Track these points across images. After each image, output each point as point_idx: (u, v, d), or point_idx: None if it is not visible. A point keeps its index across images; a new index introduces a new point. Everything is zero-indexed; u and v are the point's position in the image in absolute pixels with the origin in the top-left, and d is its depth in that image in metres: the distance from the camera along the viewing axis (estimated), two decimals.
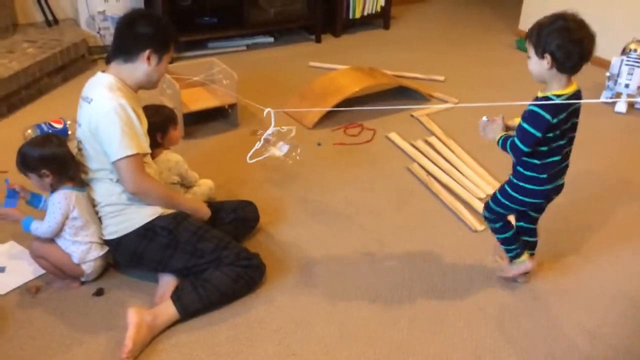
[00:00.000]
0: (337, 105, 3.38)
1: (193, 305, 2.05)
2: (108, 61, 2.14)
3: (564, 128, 1.90)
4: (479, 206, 2.72)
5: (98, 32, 4.21)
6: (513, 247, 2.19)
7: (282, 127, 2.30)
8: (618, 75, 3.67)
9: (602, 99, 3.76)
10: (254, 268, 2.16)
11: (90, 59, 4.17)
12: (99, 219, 2.17)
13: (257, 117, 3.42)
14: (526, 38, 1.88)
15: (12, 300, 2.14)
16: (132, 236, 2.11)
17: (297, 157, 2.65)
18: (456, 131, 3.37)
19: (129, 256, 2.16)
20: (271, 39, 4.79)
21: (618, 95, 3.75)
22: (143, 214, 2.11)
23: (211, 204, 2.43)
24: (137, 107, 2.12)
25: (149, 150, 2.12)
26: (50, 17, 4.18)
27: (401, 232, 2.58)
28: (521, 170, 1.99)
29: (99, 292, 2.17)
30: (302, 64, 4.35)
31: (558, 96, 1.86)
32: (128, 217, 2.11)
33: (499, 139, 1.98)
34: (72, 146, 2.18)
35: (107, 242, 2.18)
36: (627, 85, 3.66)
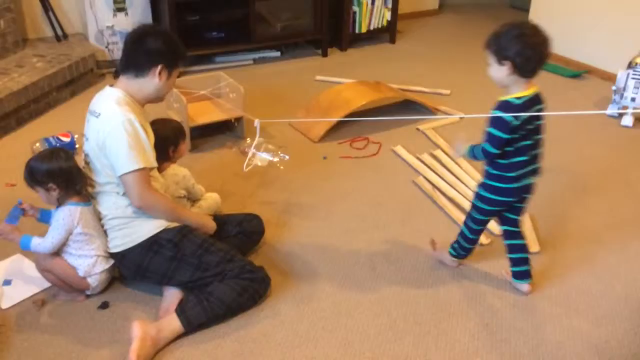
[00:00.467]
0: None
1: (197, 318, 2.04)
2: (117, 75, 2.16)
3: (528, 128, 1.99)
4: None
5: (106, 47, 4.26)
6: (463, 253, 2.35)
7: (260, 139, 2.56)
8: (624, 89, 3.67)
9: (608, 112, 3.76)
10: (258, 281, 2.16)
11: (99, 73, 4.21)
12: (105, 231, 2.18)
13: (264, 131, 3.43)
14: (486, 47, 1.99)
15: (18, 312, 2.15)
16: (137, 249, 2.12)
17: (281, 167, 2.78)
18: None
19: (134, 269, 2.16)
20: (278, 53, 4.82)
21: (624, 108, 3.74)
22: (148, 227, 2.12)
23: (217, 217, 2.44)
24: (145, 121, 2.14)
25: (155, 165, 2.13)
26: (59, 32, 4.23)
27: (407, 246, 2.57)
28: (490, 170, 2.10)
29: (104, 305, 2.18)
30: (308, 78, 4.37)
31: (518, 98, 1.97)
32: (133, 230, 2.12)
33: (468, 150, 2.09)
34: (79, 160, 2.20)
35: (112, 255, 2.18)
36: (633, 99, 3.65)
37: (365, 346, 2.05)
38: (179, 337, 2.03)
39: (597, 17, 4.38)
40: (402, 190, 3.00)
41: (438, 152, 3.30)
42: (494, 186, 2.10)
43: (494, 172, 2.09)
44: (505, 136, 1.96)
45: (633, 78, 3.62)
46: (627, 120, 3.70)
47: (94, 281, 2.17)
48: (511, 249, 2.26)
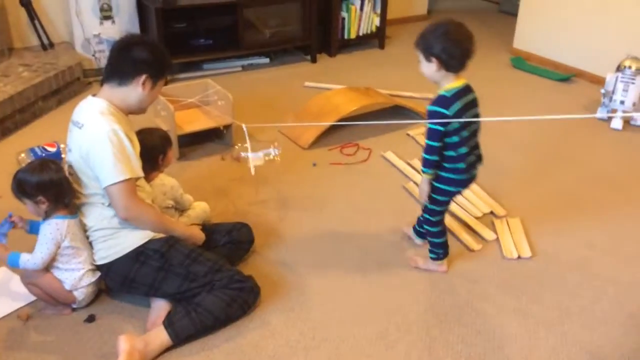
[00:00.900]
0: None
1: (186, 330, 2.01)
2: (102, 83, 2.14)
3: (464, 117, 2.10)
4: (477, 225, 2.70)
5: (93, 55, 4.22)
6: (441, 251, 2.41)
7: (245, 144, 2.64)
8: (613, 92, 3.68)
9: (598, 115, 3.76)
10: (247, 291, 2.13)
11: (85, 82, 4.17)
12: (90, 243, 2.14)
13: (253, 138, 3.39)
14: (415, 46, 2.11)
15: (2, 327, 2.10)
16: (123, 260, 2.08)
17: (251, 171, 2.68)
18: None
19: (120, 281, 2.12)
20: (267, 60, 4.80)
21: (614, 111, 3.75)
22: (134, 238, 2.08)
23: (205, 226, 2.41)
24: (130, 130, 2.10)
25: (142, 174, 2.10)
26: (45, 41, 4.18)
27: (398, 253, 2.55)
28: (444, 164, 2.20)
29: (91, 319, 2.14)
30: (297, 84, 4.35)
31: (447, 90, 2.09)
32: (119, 242, 2.08)
33: (422, 165, 2.23)
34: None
35: (98, 267, 2.14)
36: (622, 102, 3.66)
37: (356, 357, 2.02)
38: (167, 349, 1.99)
39: (585, 20, 4.40)
40: (393, 195, 2.98)
41: None
42: (450, 178, 2.21)
43: (449, 165, 2.19)
44: (441, 128, 2.09)
45: (622, 81, 3.62)
46: (617, 123, 3.71)
47: (80, 294, 2.13)
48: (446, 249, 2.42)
